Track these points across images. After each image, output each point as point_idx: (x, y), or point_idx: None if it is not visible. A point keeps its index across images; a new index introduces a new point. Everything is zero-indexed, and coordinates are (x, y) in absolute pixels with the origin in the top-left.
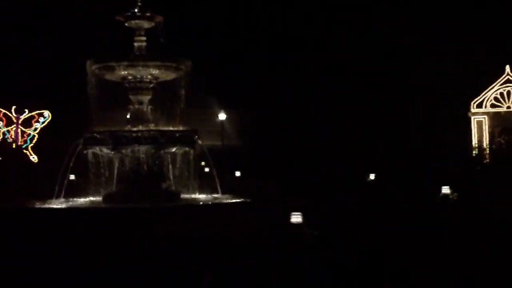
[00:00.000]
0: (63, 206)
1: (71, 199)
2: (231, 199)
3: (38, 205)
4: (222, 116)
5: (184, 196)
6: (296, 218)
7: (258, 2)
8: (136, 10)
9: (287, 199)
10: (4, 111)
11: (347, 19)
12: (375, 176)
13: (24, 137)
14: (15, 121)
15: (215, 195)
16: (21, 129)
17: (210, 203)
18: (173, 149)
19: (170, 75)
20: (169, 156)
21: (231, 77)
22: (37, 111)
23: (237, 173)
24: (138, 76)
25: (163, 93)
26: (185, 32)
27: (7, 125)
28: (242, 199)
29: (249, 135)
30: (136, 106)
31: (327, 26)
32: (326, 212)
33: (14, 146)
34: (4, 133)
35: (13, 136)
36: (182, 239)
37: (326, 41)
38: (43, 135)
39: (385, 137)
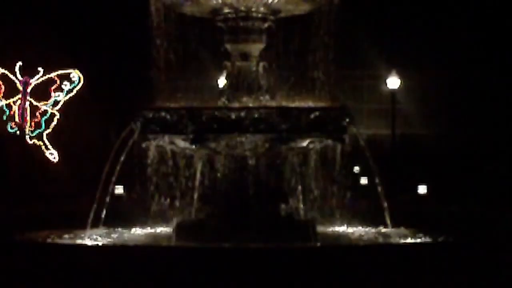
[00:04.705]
0: (102, 242)
1: (116, 229)
2: (412, 238)
3: (57, 239)
4: (393, 82)
5: (323, 229)
6: None
7: None
8: None
9: None
10: (1, 70)
11: None
12: None
13: (36, 117)
14: (20, 88)
15: (381, 229)
16: (30, 102)
17: (372, 244)
18: (304, 143)
19: (300, 6)
20: (295, 155)
21: (404, 13)
22: (59, 71)
23: (422, 188)
24: (243, 8)
25: (286, 40)
26: None
27: (7, 96)
28: (434, 239)
29: (444, 118)
30: (238, 63)
31: None
32: None
33: (18, 133)
34: (1, 109)
35: (17, 116)
36: None
37: None
38: (69, 114)
39: None
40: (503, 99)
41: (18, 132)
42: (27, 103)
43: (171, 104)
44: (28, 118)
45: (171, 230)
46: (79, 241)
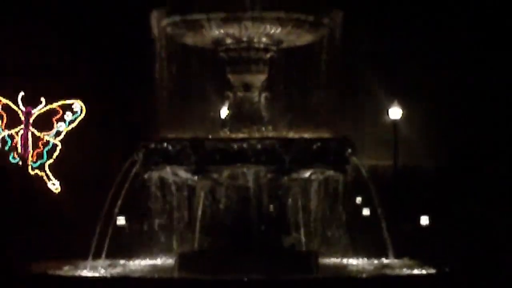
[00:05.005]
0: (104, 274)
1: (118, 261)
2: (415, 269)
3: (58, 270)
4: (395, 112)
5: (325, 260)
6: None
7: None
8: None
9: None
10: (4, 100)
11: None
12: None
13: (38, 147)
14: (23, 118)
15: (384, 261)
16: (32, 132)
17: (374, 276)
18: (306, 173)
19: (302, 37)
20: (298, 186)
21: (408, 41)
22: (62, 102)
23: (424, 219)
24: (245, 38)
25: (287, 70)
26: None
27: (9, 126)
28: (438, 269)
29: (448, 147)
30: (240, 94)
31: None
32: None
33: (20, 164)
34: (4, 140)
35: (19, 146)
36: None
37: None
38: (70, 144)
39: None
40: (504, 115)
41: (20, 163)
42: (30, 134)
43: (173, 135)
44: (30, 148)
45: (174, 261)
46: (80, 273)
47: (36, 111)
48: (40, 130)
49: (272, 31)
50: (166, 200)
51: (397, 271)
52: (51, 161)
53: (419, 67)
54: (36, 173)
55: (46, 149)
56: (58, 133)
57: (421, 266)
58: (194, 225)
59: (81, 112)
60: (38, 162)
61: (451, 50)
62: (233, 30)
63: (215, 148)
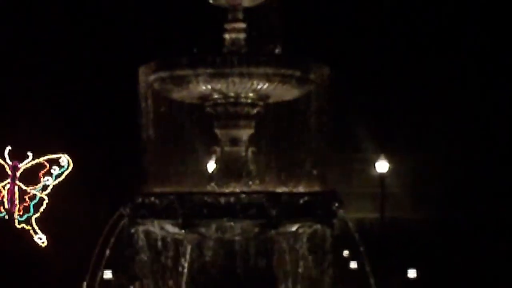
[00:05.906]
0: None
1: None
2: None
3: None
4: (381, 166)
5: None
6: None
7: None
8: None
9: None
10: None
11: None
12: None
13: (25, 201)
14: (9, 173)
15: None
16: (19, 186)
17: None
18: (294, 227)
19: (289, 92)
20: (285, 239)
21: (395, 94)
22: (48, 156)
23: (412, 272)
24: (232, 93)
25: (273, 125)
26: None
27: None
28: None
29: (435, 200)
30: (227, 148)
31: None
32: None
33: (6, 218)
34: None
35: (6, 200)
36: None
37: None
38: (57, 198)
39: None
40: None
41: (6, 217)
42: (16, 188)
43: (160, 189)
44: (17, 202)
45: None
46: None
47: (23, 165)
48: (26, 184)
49: (259, 86)
50: (152, 254)
51: None
52: (37, 215)
53: (406, 121)
54: (23, 227)
55: (33, 203)
56: (45, 187)
57: None
58: (181, 279)
59: (68, 166)
60: (25, 216)
61: (437, 105)
62: (220, 85)
63: (202, 202)
